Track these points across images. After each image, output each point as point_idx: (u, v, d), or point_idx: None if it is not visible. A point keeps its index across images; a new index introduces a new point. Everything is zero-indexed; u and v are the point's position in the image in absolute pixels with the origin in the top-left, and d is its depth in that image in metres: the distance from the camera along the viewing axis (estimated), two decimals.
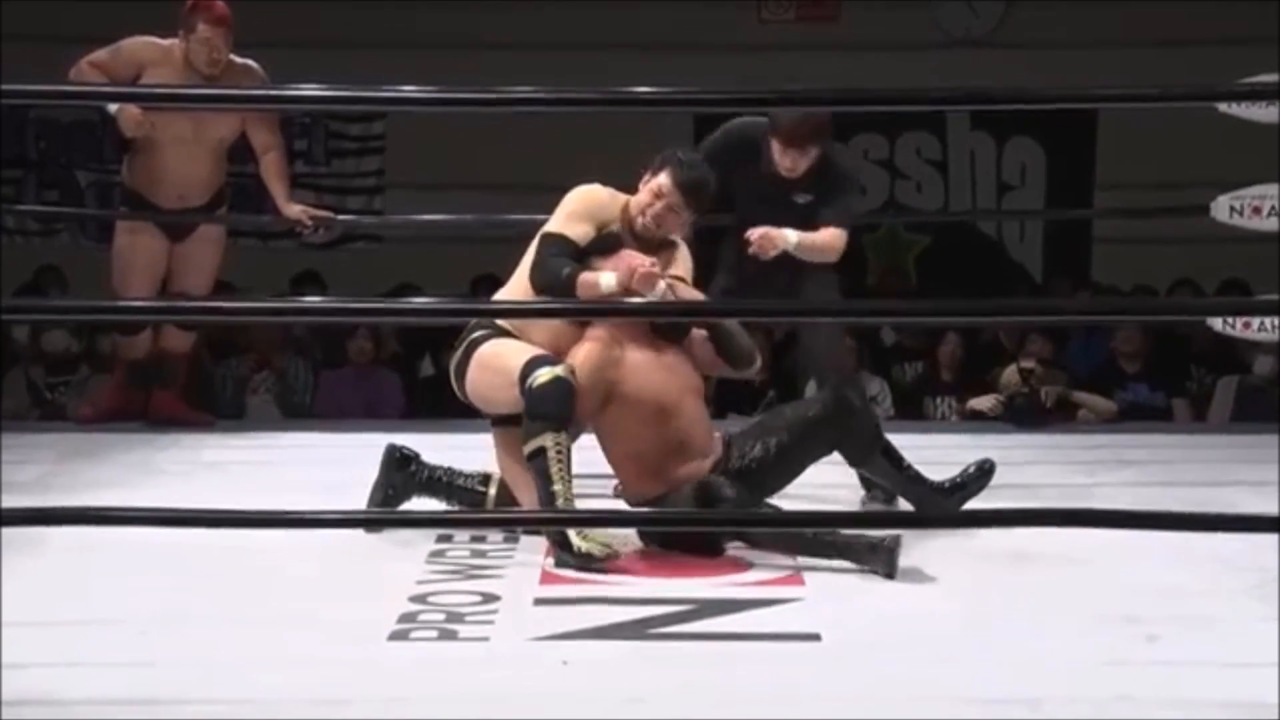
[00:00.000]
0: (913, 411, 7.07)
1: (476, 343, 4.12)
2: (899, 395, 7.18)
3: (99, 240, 8.22)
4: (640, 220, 4.17)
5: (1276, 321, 3.15)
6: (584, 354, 4.02)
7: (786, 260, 4.43)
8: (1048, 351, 7.11)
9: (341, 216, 7.38)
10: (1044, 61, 8.47)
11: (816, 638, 3.27)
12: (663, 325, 4.11)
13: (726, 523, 3.91)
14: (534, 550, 3.94)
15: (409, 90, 3.11)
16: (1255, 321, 3.18)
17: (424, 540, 4.00)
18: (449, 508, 4.20)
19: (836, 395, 4.19)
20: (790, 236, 4.39)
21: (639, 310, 3.88)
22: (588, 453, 4.18)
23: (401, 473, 4.24)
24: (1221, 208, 4.09)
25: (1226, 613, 3.46)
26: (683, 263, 4.25)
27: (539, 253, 4.12)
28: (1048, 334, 7.26)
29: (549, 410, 3.91)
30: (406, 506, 4.22)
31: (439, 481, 4.22)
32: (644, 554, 3.96)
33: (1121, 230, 8.64)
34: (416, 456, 4.26)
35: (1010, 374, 6.54)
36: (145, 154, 5.79)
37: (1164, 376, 7.24)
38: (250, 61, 5.70)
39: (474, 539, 4.05)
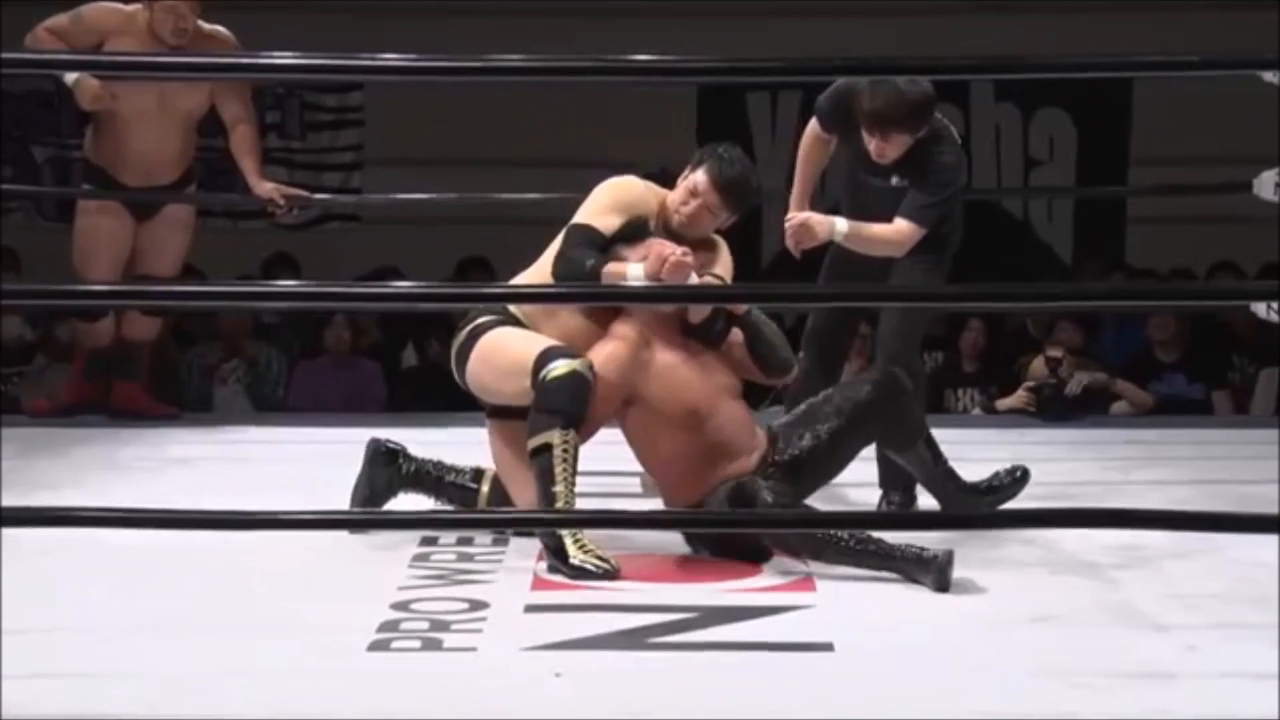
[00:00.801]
0: (932, 404, 7.06)
1: (481, 329, 4.12)
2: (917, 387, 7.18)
3: (57, 220, 8.24)
4: (675, 218, 4.20)
5: None
6: (607, 353, 4.02)
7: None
8: (1078, 340, 7.12)
9: (317, 195, 7.40)
10: (1075, 26, 8.46)
11: (829, 647, 3.27)
12: (697, 329, 4.11)
13: (749, 524, 3.90)
14: (525, 554, 3.95)
15: (389, 58, 3.10)
16: None
17: (407, 542, 4.01)
18: (437, 505, 4.20)
19: (888, 375, 4.19)
20: (838, 225, 4.31)
21: (650, 295, 3.87)
22: (609, 448, 4.18)
23: (387, 468, 4.24)
24: (1266, 185, 4.09)
25: (1270, 620, 3.46)
26: (722, 262, 4.25)
27: (564, 244, 4.13)
28: (1078, 321, 7.27)
29: (563, 405, 3.91)
30: (393, 505, 4.22)
31: (427, 476, 4.23)
32: (643, 558, 3.96)
33: (1157, 209, 8.64)
34: (403, 450, 4.26)
35: (1038, 364, 6.55)
36: (108, 128, 5.79)
37: (1203, 367, 7.25)
38: (219, 28, 5.70)
39: (461, 541, 4.06)
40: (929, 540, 3.78)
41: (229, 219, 9.00)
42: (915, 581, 3.72)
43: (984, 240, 10.00)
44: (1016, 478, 4.29)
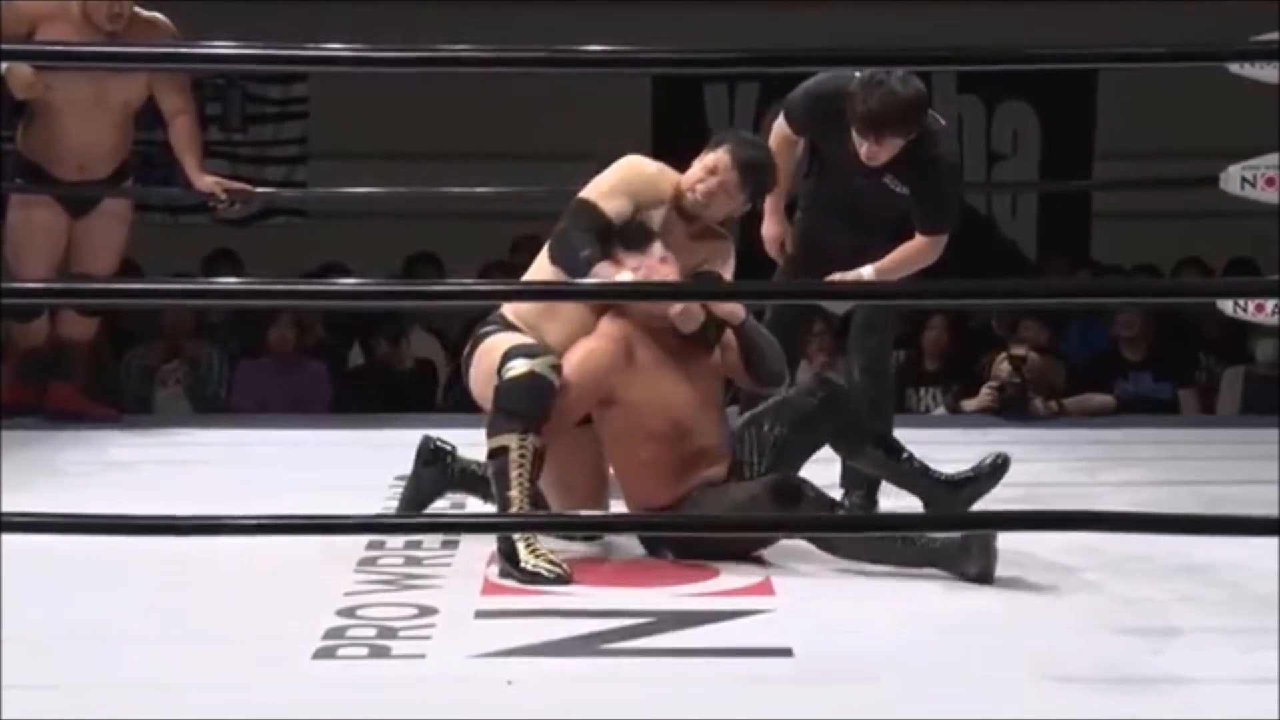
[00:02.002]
0: (895, 403, 7.08)
1: (481, 337, 4.13)
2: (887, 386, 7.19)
3: None
4: (690, 196, 4.18)
5: None
6: (584, 351, 4.02)
7: (857, 241, 4.39)
8: (1043, 338, 7.15)
9: (260, 189, 7.37)
10: (1040, 16, 8.49)
11: (788, 653, 3.28)
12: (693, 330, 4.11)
13: (752, 528, 3.89)
14: (475, 558, 3.94)
15: (334, 48, 3.09)
16: (1270, 304, 3.21)
17: (353, 547, 4.00)
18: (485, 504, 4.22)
19: (822, 382, 4.24)
20: (865, 273, 4.31)
21: (635, 293, 3.86)
22: None
23: (434, 469, 4.27)
24: (1232, 179, 4.14)
25: (1238, 624, 3.48)
26: (723, 258, 4.25)
27: (567, 221, 4.12)
28: (1042, 318, 7.30)
29: (519, 406, 3.90)
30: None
31: (474, 476, 4.25)
32: (597, 562, 3.96)
33: (1123, 204, 8.68)
34: (452, 450, 4.29)
35: (1001, 363, 6.57)
36: (42, 120, 5.75)
37: (1170, 365, 7.29)
38: (157, 15, 5.67)
39: (409, 545, 4.05)
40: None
41: (168, 214, 8.96)
42: (958, 573, 3.74)
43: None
44: (998, 465, 4.30)
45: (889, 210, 4.38)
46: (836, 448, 4.26)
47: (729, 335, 4.16)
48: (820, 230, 4.56)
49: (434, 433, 4.36)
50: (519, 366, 3.92)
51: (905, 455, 4.26)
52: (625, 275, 4.01)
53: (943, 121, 4.44)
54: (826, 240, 4.52)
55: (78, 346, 6.04)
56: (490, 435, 3.93)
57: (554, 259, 4.10)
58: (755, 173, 4.19)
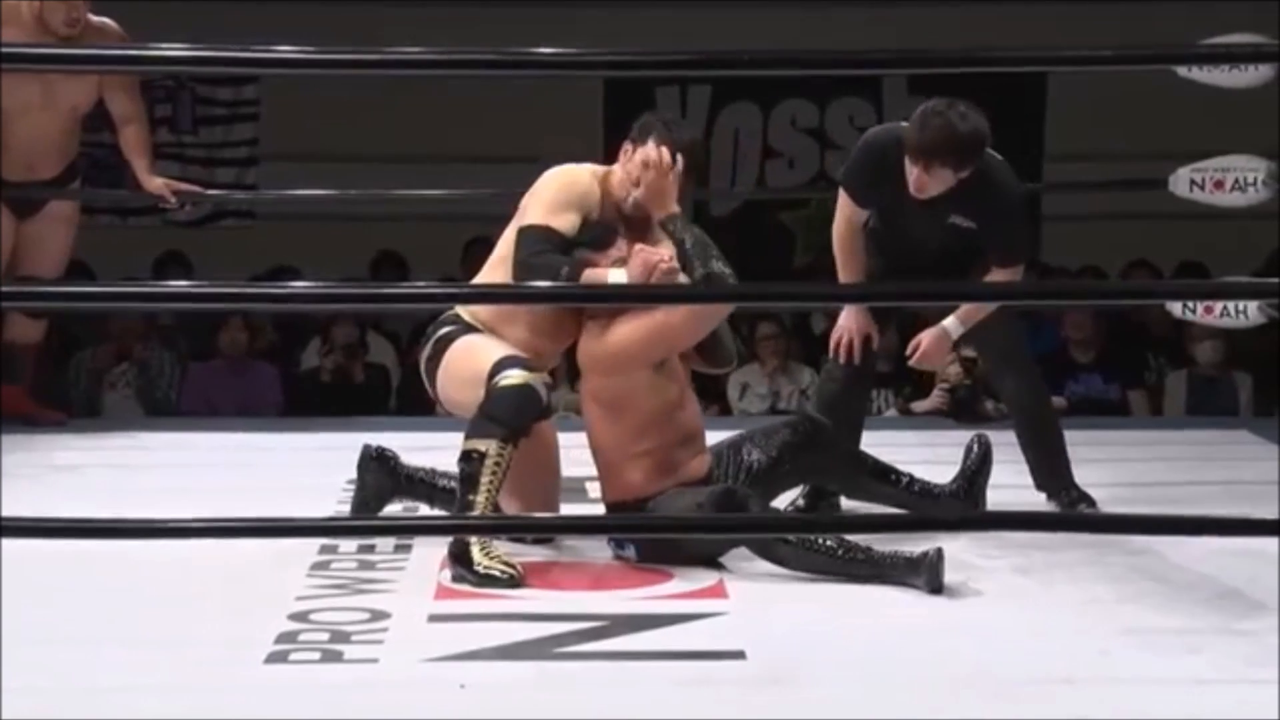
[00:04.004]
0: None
1: (445, 339, 4.10)
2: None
3: None
4: (631, 196, 4.11)
5: (1242, 306, 3.19)
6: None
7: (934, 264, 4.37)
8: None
9: (210, 190, 7.34)
10: (987, 19, 8.52)
11: (740, 655, 3.29)
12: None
13: (737, 529, 3.88)
14: (428, 562, 3.93)
15: (284, 50, 3.08)
16: (1218, 307, 3.21)
17: (305, 550, 3.99)
18: (432, 512, 4.22)
19: (806, 418, 4.28)
20: (949, 326, 4.33)
21: (619, 295, 3.81)
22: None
23: (379, 475, 4.27)
24: (1181, 181, 4.16)
25: (1186, 624, 3.50)
26: (666, 250, 4.23)
27: (523, 250, 4.02)
28: None
29: (505, 415, 3.89)
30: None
31: (421, 484, 4.24)
32: (551, 565, 3.96)
33: (1072, 206, 8.72)
34: (395, 457, 4.28)
35: (951, 365, 6.59)
36: None
37: (1119, 367, 7.33)
38: (107, 21, 5.64)
39: (362, 549, 4.04)
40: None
41: (118, 215, 8.91)
42: (908, 585, 3.73)
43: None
44: (985, 452, 4.32)
45: (953, 245, 4.34)
46: (832, 486, 4.30)
47: None
48: (892, 273, 4.48)
49: (385, 436, 4.35)
50: (514, 377, 3.90)
51: (902, 479, 4.27)
52: (617, 273, 3.97)
53: (999, 157, 4.41)
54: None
55: (25, 349, 6.00)
56: (470, 437, 3.91)
57: None
58: (693, 151, 4.14)
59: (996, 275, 4.31)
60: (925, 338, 4.40)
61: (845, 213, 4.45)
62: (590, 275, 3.96)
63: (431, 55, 2.99)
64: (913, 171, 4.21)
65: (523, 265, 4.01)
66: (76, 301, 4.06)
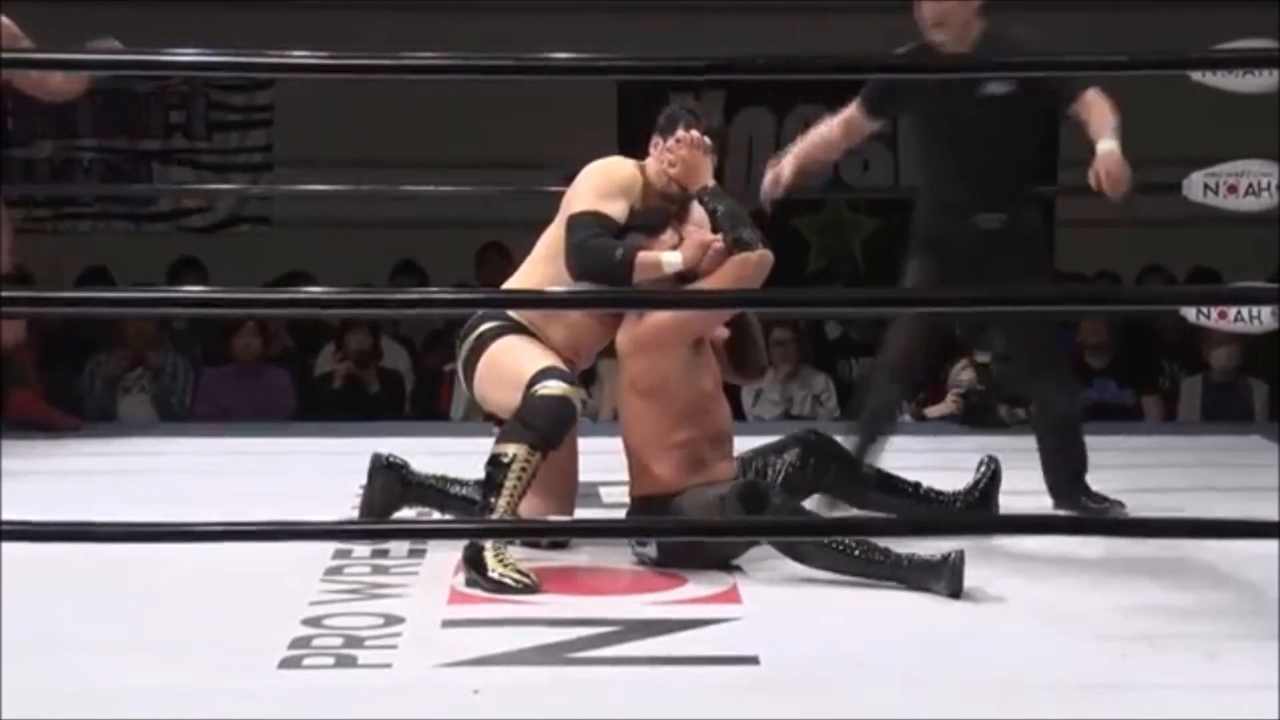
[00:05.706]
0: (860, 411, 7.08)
1: (487, 336, 4.10)
2: (845, 393, 7.20)
3: None
4: (667, 175, 4.15)
5: (1256, 311, 3.18)
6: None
7: (997, 242, 4.39)
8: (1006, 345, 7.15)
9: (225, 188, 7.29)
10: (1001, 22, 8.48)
11: (754, 661, 3.28)
12: None
13: (757, 531, 3.89)
14: (442, 567, 3.93)
15: (298, 55, 3.08)
16: (1232, 312, 3.20)
17: (319, 556, 3.99)
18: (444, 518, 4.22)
19: (809, 432, 4.30)
20: (1113, 145, 4.36)
21: (636, 300, 3.85)
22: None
23: (389, 483, 4.27)
24: (1195, 186, 4.14)
25: (1206, 630, 3.49)
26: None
27: (577, 234, 4.05)
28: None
29: (540, 424, 3.90)
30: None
31: (432, 490, 4.25)
32: (564, 571, 3.96)
33: (1086, 211, 8.69)
34: (405, 465, 4.28)
35: (964, 370, 6.58)
36: None
37: (1133, 372, 7.31)
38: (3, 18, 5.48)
39: (375, 554, 4.04)
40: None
41: (132, 221, 8.92)
42: (927, 589, 3.73)
43: (908, 244, 10.12)
44: (994, 472, 4.35)
45: (1000, 121, 4.40)
46: (840, 498, 4.30)
47: (719, 331, 4.18)
48: (945, 214, 4.54)
49: (398, 441, 4.35)
50: (554, 388, 3.92)
51: (913, 489, 4.28)
52: (672, 255, 4.02)
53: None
54: (955, 222, 4.51)
55: (16, 351, 5.96)
56: (501, 440, 3.92)
57: (581, 272, 4.02)
58: (723, 136, 4.26)
59: (1091, 99, 4.39)
60: (1101, 167, 4.36)
61: (840, 119, 4.62)
62: (644, 258, 4.00)
63: (447, 60, 2.99)
64: (924, 7, 4.35)
65: (578, 249, 4.03)
66: (91, 307, 4.06)
